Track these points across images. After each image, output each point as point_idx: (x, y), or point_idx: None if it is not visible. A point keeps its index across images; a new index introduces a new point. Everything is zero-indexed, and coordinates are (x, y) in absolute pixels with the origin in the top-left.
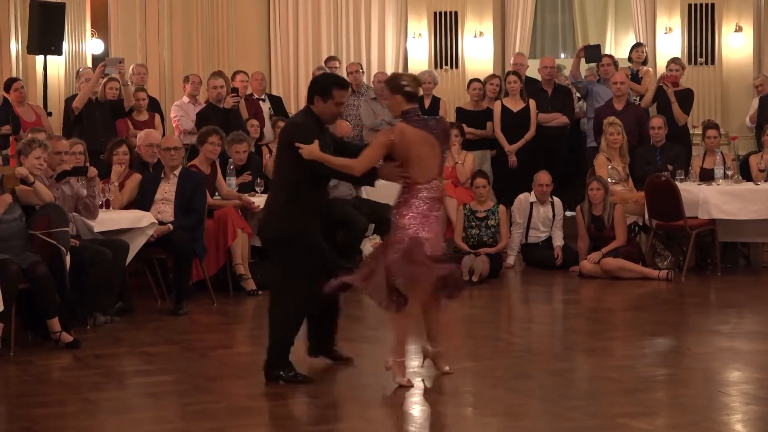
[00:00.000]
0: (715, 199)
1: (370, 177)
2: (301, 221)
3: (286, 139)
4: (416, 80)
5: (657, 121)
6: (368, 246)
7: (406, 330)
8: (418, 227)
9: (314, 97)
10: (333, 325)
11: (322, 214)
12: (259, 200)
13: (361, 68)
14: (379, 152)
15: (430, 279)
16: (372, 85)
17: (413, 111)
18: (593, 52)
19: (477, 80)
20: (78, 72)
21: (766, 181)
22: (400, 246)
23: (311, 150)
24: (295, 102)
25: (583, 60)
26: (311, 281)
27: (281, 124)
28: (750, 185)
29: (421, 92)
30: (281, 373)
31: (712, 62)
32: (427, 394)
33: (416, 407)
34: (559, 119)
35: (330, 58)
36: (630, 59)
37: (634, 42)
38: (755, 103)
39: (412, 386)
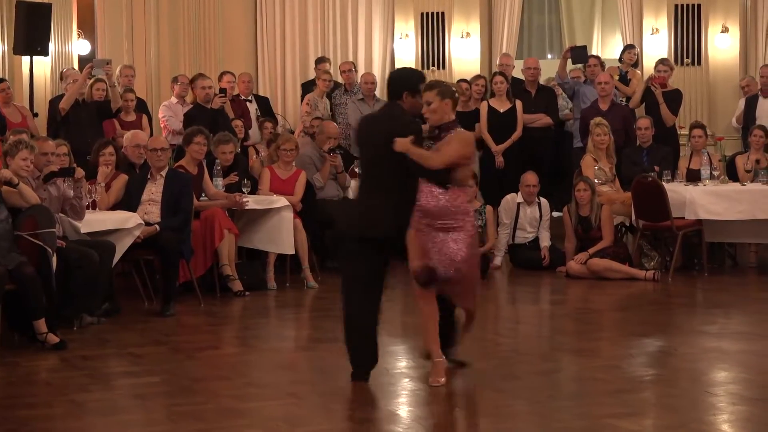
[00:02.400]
0: (701, 199)
1: (445, 177)
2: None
3: (389, 134)
4: (461, 88)
5: (644, 122)
6: None
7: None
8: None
9: (403, 93)
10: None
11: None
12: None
13: (354, 67)
14: (461, 154)
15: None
16: (360, 86)
17: (457, 122)
18: (580, 53)
19: (464, 81)
20: (62, 73)
21: (752, 181)
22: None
23: (403, 143)
24: (282, 103)
25: (569, 61)
26: None
27: (268, 125)
28: (736, 186)
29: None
30: None
31: (699, 63)
32: (414, 394)
33: (403, 408)
34: (542, 120)
35: (320, 59)
36: (621, 60)
37: (621, 43)
38: (741, 103)
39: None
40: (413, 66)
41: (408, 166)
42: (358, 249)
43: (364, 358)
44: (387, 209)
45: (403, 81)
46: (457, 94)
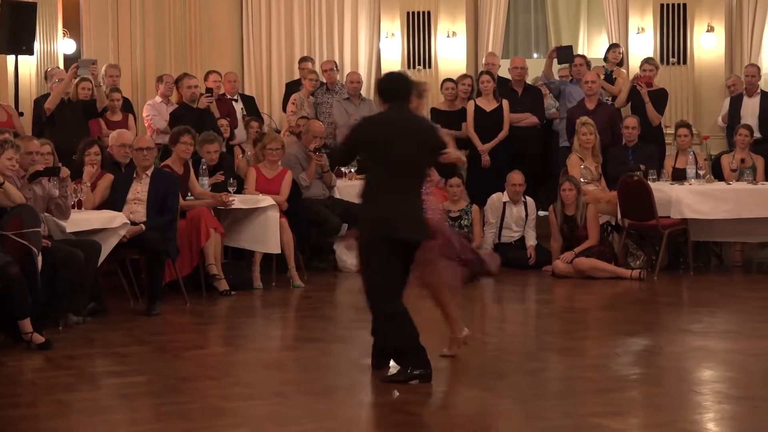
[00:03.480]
0: (687, 198)
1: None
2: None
3: (436, 140)
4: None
5: (631, 121)
6: (341, 246)
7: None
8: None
9: (410, 98)
10: None
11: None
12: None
13: (336, 66)
14: None
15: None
16: (345, 85)
17: None
18: (565, 53)
19: (450, 80)
20: (47, 72)
21: (737, 180)
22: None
23: (454, 152)
24: (268, 102)
25: (555, 60)
26: None
27: (254, 124)
28: (722, 185)
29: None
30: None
31: (684, 62)
32: (400, 394)
33: (388, 407)
34: (528, 119)
35: (304, 59)
36: (606, 59)
37: (607, 42)
38: (727, 103)
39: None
40: (399, 65)
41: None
42: (389, 249)
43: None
44: (421, 211)
45: (409, 84)
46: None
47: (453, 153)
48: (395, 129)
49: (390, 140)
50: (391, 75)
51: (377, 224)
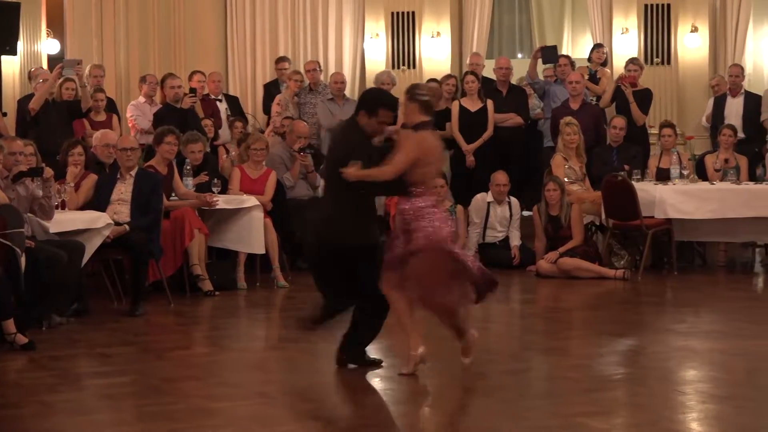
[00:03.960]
0: (671, 198)
1: (405, 185)
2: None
3: (340, 157)
4: (435, 94)
5: (619, 122)
6: None
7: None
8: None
9: (360, 111)
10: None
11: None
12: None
13: (319, 67)
14: (409, 159)
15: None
16: (329, 85)
17: (429, 124)
18: (550, 53)
19: (434, 80)
20: (30, 72)
21: (721, 180)
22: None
23: (352, 173)
24: (252, 102)
25: (540, 61)
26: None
27: (239, 124)
28: (706, 185)
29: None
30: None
31: (668, 62)
32: (384, 393)
33: (373, 407)
34: (513, 119)
35: (280, 59)
36: (590, 59)
37: (591, 42)
38: (711, 103)
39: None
40: (383, 65)
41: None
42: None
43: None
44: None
45: (363, 100)
46: (424, 98)
47: (349, 171)
48: (333, 139)
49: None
50: (369, 90)
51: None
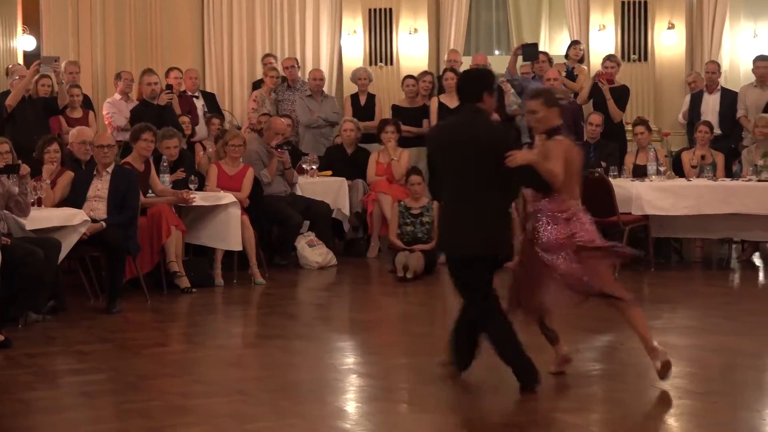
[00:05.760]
0: (648, 195)
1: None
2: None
3: (504, 145)
4: (566, 94)
5: (596, 118)
6: (302, 243)
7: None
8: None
9: (484, 95)
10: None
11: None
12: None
13: (297, 63)
14: (563, 164)
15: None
16: (308, 82)
17: (561, 127)
18: (531, 51)
19: (411, 77)
20: (8, 69)
21: (698, 177)
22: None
23: (525, 155)
24: (229, 99)
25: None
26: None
27: (216, 121)
28: (682, 181)
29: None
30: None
31: (645, 59)
32: (361, 390)
33: (351, 404)
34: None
35: (267, 55)
36: (567, 56)
37: (568, 39)
38: (687, 99)
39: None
40: (361, 62)
41: (500, 180)
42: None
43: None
44: (466, 225)
45: (481, 81)
46: (562, 101)
47: (519, 155)
48: (452, 137)
49: (443, 149)
50: (467, 72)
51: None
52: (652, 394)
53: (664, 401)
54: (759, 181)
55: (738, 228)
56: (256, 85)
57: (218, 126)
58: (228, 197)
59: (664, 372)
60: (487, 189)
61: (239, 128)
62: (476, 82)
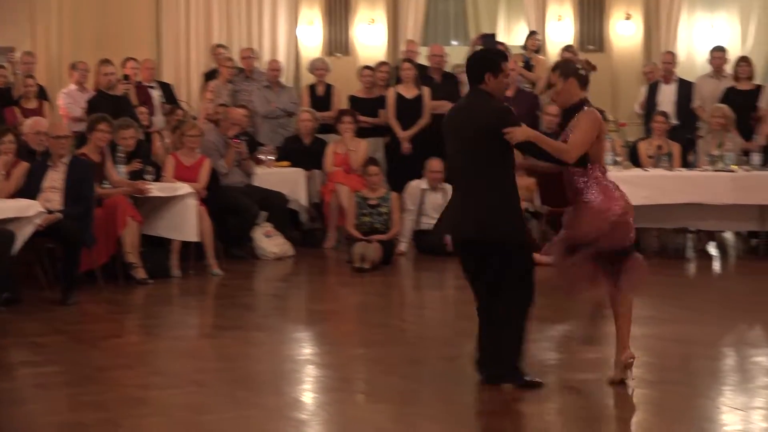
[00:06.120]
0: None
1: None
2: (520, 216)
3: (492, 127)
4: (589, 64)
5: (553, 109)
6: (259, 234)
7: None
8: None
9: (486, 75)
10: None
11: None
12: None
13: (254, 53)
14: (592, 137)
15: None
16: (266, 72)
17: (586, 100)
18: (489, 41)
19: (368, 67)
20: None
21: (654, 167)
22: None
23: (525, 131)
24: (186, 89)
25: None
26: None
27: (180, 112)
28: (639, 171)
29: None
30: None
31: (603, 50)
32: (317, 381)
33: (307, 394)
34: (445, 107)
35: (218, 46)
36: (524, 47)
37: (526, 29)
38: (644, 90)
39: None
40: (318, 52)
41: (503, 161)
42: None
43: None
44: (466, 208)
45: (482, 62)
46: (582, 71)
47: (518, 131)
48: (454, 121)
49: (451, 131)
50: (470, 55)
51: (444, 227)
52: (607, 382)
53: (620, 390)
54: (715, 171)
55: (694, 217)
56: (209, 75)
57: (175, 116)
58: (185, 188)
59: (625, 370)
60: (486, 172)
61: (194, 119)
62: (477, 64)
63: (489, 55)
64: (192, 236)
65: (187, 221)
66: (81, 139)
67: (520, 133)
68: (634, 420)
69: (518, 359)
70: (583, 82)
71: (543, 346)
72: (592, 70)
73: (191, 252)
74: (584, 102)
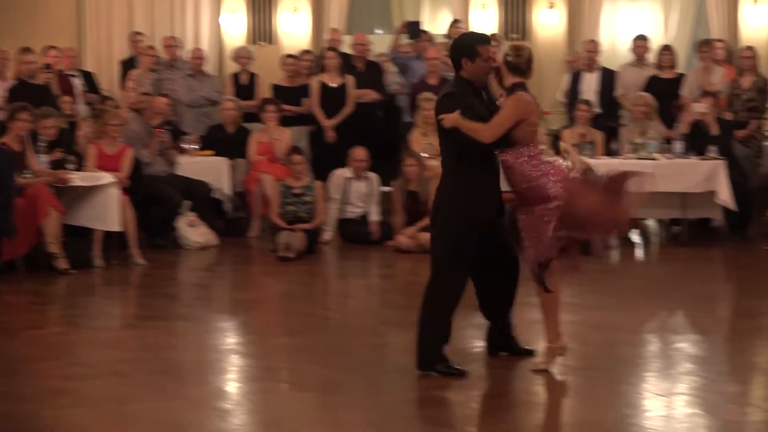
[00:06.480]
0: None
1: (501, 143)
2: (467, 198)
3: (437, 111)
4: (519, 51)
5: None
6: (183, 223)
7: (557, 311)
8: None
9: (461, 60)
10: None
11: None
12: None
13: (177, 42)
14: (510, 122)
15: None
16: (189, 61)
17: (520, 85)
18: (414, 28)
19: (291, 56)
20: None
21: (578, 155)
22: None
23: (451, 118)
24: (108, 78)
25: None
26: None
27: (95, 99)
28: (562, 160)
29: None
30: (438, 366)
31: (526, 38)
32: (241, 370)
33: (232, 384)
34: (369, 95)
35: (136, 33)
36: (447, 36)
37: (450, 18)
38: (567, 78)
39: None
40: (242, 41)
41: (460, 147)
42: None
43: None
44: (443, 195)
45: (458, 48)
46: (510, 57)
47: (446, 118)
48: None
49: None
50: (453, 40)
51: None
52: (531, 369)
53: (545, 377)
54: (638, 159)
55: None
56: (126, 63)
57: (97, 105)
58: (107, 177)
59: (553, 358)
60: (449, 157)
61: (117, 107)
62: (454, 50)
63: (464, 40)
64: (114, 226)
65: (109, 211)
66: (1, 128)
67: (448, 120)
68: (557, 406)
69: (436, 348)
70: (513, 69)
71: (468, 334)
72: (525, 60)
73: (114, 242)
74: (516, 86)
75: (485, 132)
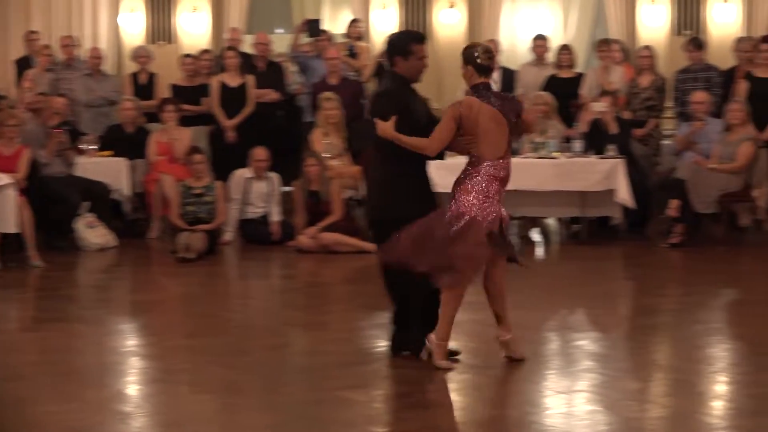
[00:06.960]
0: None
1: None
2: (407, 197)
3: (372, 112)
4: (489, 52)
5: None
6: (81, 224)
7: (454, 310)
8: (477, 209)
9: (395, 58)
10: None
11: None
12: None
13: (74, 41)
14: (450, 127)
15: (482, 260)
16: (87, 60)
17: (484, 85)
18: (314, 27)
19: (189, 55)
20: None
21: None
22: (456, 224)
23: (384, 128)
24: (2, 77)
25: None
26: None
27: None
28: (462, 159)
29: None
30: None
31: (429, 37)
32: (143, 372)
33: (132, 386)
34: (270, 95)
35: (31, 32)
36: (347, 35)
37: (350, 17)
38: None
39: (452, 369)
40: (141, 40)
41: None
42: None
43: None
44: (372, 190)
45: (392, 47)
46: (479, 60)
47: (380, 128)
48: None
49: None
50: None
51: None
52: (433, 369)
53: (447, 376)
54: (538, 157)
55: (517, 204)
56: (21, 62)
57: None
58: (4, 178)
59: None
60: (380, 157)
61: (12, 107)
62: (388, 48)
63: (397, 38)
64: (11, 227)
65: (6, 212)
66: None
67: (380, 129)
68: (459, 405)
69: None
70: (482, 70)
71: (370, 333)
72: (491, 59)
73: (11, 243)
74: (480, 86)
75: (428, 148)
